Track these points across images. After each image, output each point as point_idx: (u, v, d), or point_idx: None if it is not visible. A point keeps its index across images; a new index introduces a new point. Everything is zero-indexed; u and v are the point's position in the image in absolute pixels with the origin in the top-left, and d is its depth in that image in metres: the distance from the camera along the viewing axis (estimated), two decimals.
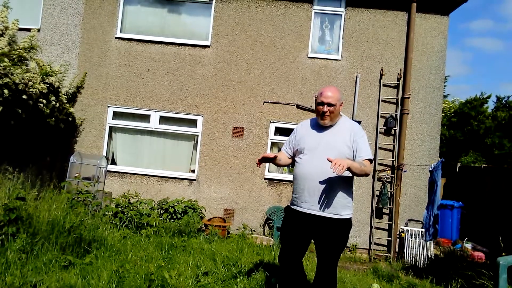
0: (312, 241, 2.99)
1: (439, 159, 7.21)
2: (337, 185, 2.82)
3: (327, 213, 2.81)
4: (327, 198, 2.80)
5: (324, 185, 2.79)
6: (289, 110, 7.46)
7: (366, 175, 2.86)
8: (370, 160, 2.88)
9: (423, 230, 6.87)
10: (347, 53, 7.55)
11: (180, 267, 4.06)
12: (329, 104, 2.87)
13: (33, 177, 5.72)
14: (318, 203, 2.80)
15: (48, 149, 7.34)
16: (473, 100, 17.41)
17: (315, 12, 7.62)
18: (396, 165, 7.26)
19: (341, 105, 2.95)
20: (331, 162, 2.56)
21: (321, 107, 2.90)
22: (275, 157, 3.00)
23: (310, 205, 2.83)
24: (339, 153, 2.80)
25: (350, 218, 2.92)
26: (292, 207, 2.99)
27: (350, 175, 2.84)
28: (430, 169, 6.98)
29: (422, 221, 7.07)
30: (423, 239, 6.88)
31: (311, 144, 2.93)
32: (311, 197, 2.82)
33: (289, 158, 3.12)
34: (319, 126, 3.00)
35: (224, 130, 7.49)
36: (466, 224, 8.84)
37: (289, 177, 7.27)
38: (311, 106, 7.28)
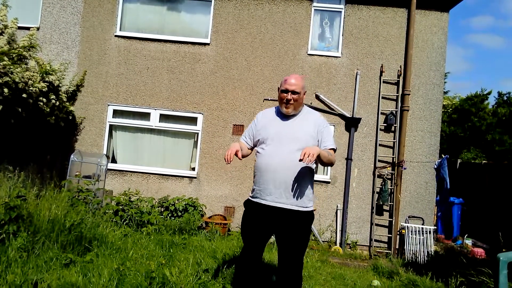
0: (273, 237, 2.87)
1: (443, 156, 7.22)
2: (302, 176, 2.71)
3: (293, 206, 2.70)
4: (293, 189, 2.69)
5: (290, 176, 2.68)
6: None
7: (332, 164, 2.83)
8: (334, 150, 2.82)
9: (430, 227, 6.89)
10: (347, 50, 7.53)
11: (181, 264, 4.07)
12: (294, 92, 2.77)
13: (33, 175, 5.73)
14: (284, 195, 2.69)
15: (48, 147, 7.35)
16: (473, 97, 17.40)
17: (314, 9, 7.60)
18: (396, 162, 7.25)
19: (304, 94, 2.87)
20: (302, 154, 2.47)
21: (285, 94, 2.79)
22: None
23: (275, 198, 2.70)
24: (303, 143, 2.69)
25: (313, 211, 2.85)
26: (253, 200, 2.83)
27: (314, 166, 2.80)
28: (435, 166, 6.99)
29: (429, 219, 7.09)
30: (423, 236, 6.89)
31: (274, 134, 2.80)
32: (277, 189, 2.69)
33: (249, 149, 2.99)
34: (281, 115, 2.89)
35: (224, 127, 7.49)
36: (466, 220, 8.85)
37: None
38: (311, 103, 7.27)
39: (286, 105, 2.81)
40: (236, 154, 2.67)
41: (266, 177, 2.73)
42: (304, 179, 2.73)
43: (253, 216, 2.84)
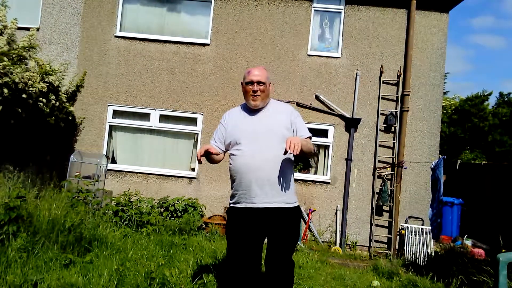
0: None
1: (440, 156, 7.23)
2: (284, 171, 2.58)
3: (281, 203, 2.56)
4: (278, 186, 2.55)
5: (274, 172, 2.54)
6: None
7: (311, 153, 2.70)
8: (310, 138, 2.68)
9: (429, 228, 6.88)
10: (347, 50, 7.54)
11: (181, 265, 4.07)
12: (259, 82, 2.63)
13: (33, 176, 5.73)
14: (271, 194, 2.54)
15: (48, 148, 7.35)
16: (474, 97, 17.40)
17: (314, 10, 7.61)
18: (396, 163, 7.25)
19: (270, 85, 2.72)
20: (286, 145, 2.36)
21: (251, 86, 2.63)
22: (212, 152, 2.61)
23: (262, 198, 2.54)
24: (280, 136, 2.56)
25: (299, 206, 2.73)
26: (238, 205, 2.62)
27: (293, 158, 2.66)
28: (432, 166, 6.99)
29: (428, 219, 7.08)
30: (423, 236, 6.89)
31: (247, 132, 2.63)
32: (262, 189, 2.53)
33: (220, 153, 2.76)
34: (250, 111, 2.72)
35: None
36: (466, 221, 8.84)
37: None
38: (311, 104, 7.28)
39: (253, 97, 2.65)
40: (209, 151, 2.55)
41: (248, 178, 2.55)
42: (286, 173, 2.60)
43: (242, 223, 2.61)
